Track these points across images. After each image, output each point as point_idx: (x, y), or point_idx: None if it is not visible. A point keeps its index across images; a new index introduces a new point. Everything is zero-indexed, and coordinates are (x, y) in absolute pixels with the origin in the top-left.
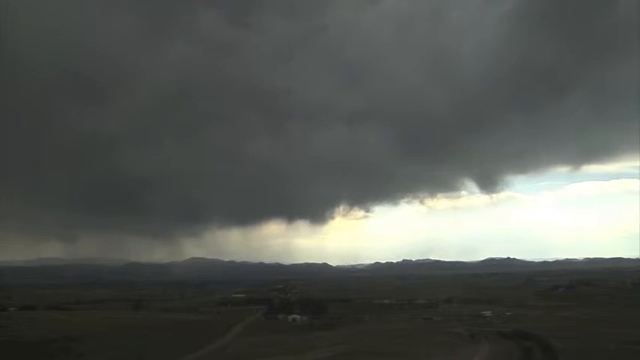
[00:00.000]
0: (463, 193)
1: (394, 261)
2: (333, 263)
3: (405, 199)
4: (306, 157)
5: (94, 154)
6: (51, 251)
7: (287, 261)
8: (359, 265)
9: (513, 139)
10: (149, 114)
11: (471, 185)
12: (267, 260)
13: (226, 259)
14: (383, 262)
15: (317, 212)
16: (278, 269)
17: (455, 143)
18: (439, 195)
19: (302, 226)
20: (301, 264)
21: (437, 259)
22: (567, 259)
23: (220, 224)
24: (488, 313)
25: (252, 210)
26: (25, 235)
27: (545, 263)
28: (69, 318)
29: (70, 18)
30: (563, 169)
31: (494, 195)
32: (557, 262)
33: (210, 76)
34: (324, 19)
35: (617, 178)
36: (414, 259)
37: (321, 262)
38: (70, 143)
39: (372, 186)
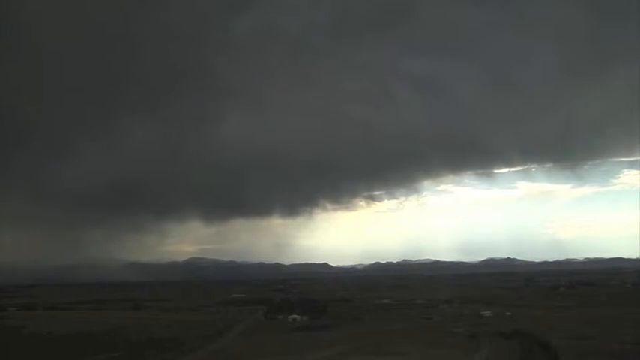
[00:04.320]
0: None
1: (394, 261)
2: (333, 263)
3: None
4: None
5: None
6: (52, 251)
7: (287, 261)
8: (359, 265)
9: None
10: None
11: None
12: (267, 260)
13: (226, 258)
14: (383, 262)
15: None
16: (278, 269)
17: None
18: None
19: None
20: (301, 264)
21: (437, 259)
22: (567, 259)
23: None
24: (488, 313)
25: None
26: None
27: (545, 263)
28: (69, 318)
29: None
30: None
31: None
32: (557, 262)
33: None
34: None
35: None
36: (414, 259)
37: (321, 262)
38: None
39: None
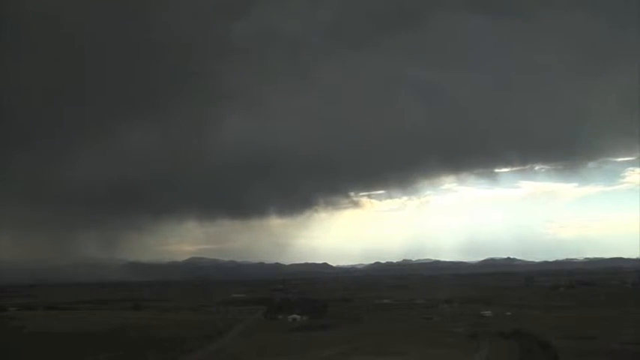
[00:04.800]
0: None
1: (394, 261)
2: (333, 263)
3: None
4: None
5: None
6: (52, 251)
7: (287, 261)
8: (359, 265)
9: None
10: None
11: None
12: (267, 260)
13: (226, 258)
14: (383, 262)
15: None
16: (278, 269)
17: None
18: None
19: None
20: (301, 264)
21: (437, 259)
22: (567, 259)
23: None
24: (488, 313)
25: None
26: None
27: (545, 263)
28: (69, 318)
29: None
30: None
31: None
32: (557, 262)
33: None
34: None
35: (617, 178)
36: (414, 259)
37: (321, 262)
38: None
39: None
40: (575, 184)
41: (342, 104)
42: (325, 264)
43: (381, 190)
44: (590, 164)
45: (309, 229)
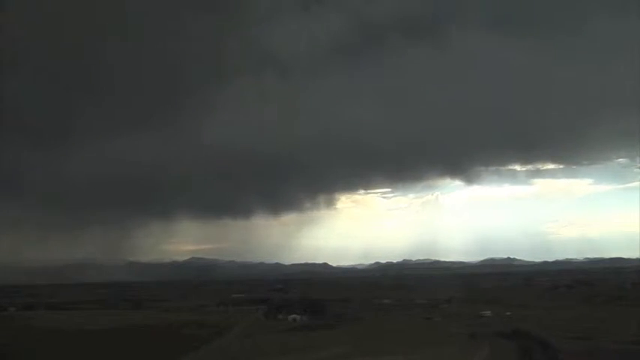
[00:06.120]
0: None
1: (394, 261)
2: (333, 263)
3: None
4: None
5: None
6: (52, 251)
7: (287, 261)
8: (359, 265)
9: None
10: None
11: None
12: (267, 260)
13: (226, 258)
14: (383, 262)
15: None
16: (278, 269)
17: None
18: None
19: None
20: (301, 264)
21: (437, 259)
22: (567, 259)
23: None
24: (488, 313)
25: None
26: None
27: (545, 263)
28: (68, 318)
29: None
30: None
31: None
32: (557, 262)
33: None
34: None
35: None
36: (414, 259)
37: (321, 262)
38: None
39: None
40: (590, 181)
41: (341, 104)
42: (325, 264)
43: (386, 188)
44: (606, 162)
45: (309, 228)
